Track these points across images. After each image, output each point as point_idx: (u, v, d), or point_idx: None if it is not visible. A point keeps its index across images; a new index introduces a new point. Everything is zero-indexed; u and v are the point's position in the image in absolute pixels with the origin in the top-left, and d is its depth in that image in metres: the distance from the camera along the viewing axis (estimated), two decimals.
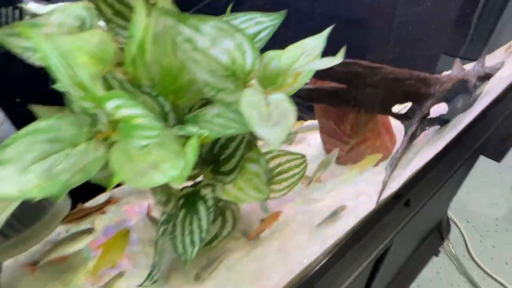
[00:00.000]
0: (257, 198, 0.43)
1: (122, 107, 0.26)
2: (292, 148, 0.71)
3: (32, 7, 0.37)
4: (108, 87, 0.34)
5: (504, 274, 1.69)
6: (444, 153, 0.79)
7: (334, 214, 0.53)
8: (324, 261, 0.52)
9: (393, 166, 0.69)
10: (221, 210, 0.51)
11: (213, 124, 0.35)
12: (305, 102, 0.59)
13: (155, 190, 0.45)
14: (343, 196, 0.65)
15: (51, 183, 0.28)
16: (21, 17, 0.41)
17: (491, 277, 1.69)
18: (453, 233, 1.93)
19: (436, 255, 1.85)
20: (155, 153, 0.30)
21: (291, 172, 0.55)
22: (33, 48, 0.32)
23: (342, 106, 0.60)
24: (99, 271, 0.49)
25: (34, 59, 0.33)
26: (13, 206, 0.31)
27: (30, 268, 0.43)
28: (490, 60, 1.16)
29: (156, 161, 0.30)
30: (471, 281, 1.69)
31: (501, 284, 1.67)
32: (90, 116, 0.32)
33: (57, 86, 0.33)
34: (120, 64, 0.33)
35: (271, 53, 0.38)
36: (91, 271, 0.49)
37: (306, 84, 0.62)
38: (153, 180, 0.30)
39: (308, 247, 0.54)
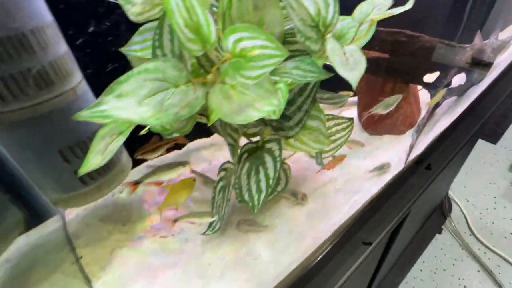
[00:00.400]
0: (318, 149, 0.47)
1: (243, 39, 0.30)
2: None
3: None
4: None
5: (504, 247, 1.79)
6: (459, 121, 0.85)
7: (381, 168, 0.58)
8: (362, 211, 0.58)
9: (419, 132, 0.75)
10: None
11: (292, 75, 0.39)
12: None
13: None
14: (378, 159, 0.71)
15: (164, 114, 0.32)
16: None
17: (492, 250, 1.78)
18: (454, 212, 2.02)
19: (439, 233, 1.94)
20: (252, 92, 0.34)
21: (338, 135, 0.59)
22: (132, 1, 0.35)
23: (382, 75, 0.65)
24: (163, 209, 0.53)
25: (131, 12, 0.36)
26: (122, 139, 0.35)
27: (132, 187, 0.47)
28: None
29: (252, 99, 0.34)
30: (473, 255, 1.78)
31: (501, 257, 1.77)
32: (182, 61, 0.35)
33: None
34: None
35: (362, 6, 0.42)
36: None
37: None
38: (249, 117, 0.34)
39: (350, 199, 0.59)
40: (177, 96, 0.33)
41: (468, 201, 2.08)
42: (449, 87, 0.78)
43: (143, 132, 0.40)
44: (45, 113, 0.41)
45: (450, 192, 2.11)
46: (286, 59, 0.34)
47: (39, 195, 0.47)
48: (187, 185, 0.49)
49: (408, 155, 0.72)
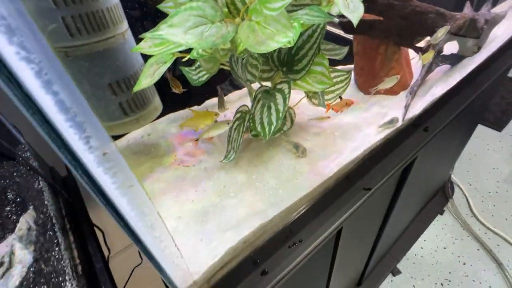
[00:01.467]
0: (322, 89, 0.59)
1: None
2: None
3: None
4: None
5: (504, 228, 1.88)
6: (455, 91, 0.95)
7: (391, 122, 0.69)
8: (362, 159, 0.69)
9: (413, 93, 0.86)
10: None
11: (303, 18, 0.50)
12: (349, 33, 0.74)
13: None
14: (375, 115, 0.82)
15: (204, 42, 0.44)
16: None
17: (492, 231, 1.88)
18: (457, 195, 2.12)
19: (441, 214, 2.04)
20: (272, 27, 0.46)
21: (337, 86, 0.70)
22: None
23: (376, 36, 0.76)
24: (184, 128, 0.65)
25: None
26: (167, 66, 0.47)
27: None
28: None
29: (272, 33, 0.46)
30: (473, 235, 1.88)
31: (501, 237, 1.87)
32: (217, 4, 0.46)
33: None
34: None
35: None
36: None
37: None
38: (270, 46, 0.45)
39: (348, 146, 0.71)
40: (213, 29, 0.45)
41: (470, 185, 2.18)
42: (441, 53, 0.88)
43: (185, 59, 0.52)
44: (101, 51, 0.53)
45: (453, 177, 2.21)
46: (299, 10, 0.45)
47: None
48: (208, 116, 0.61)
49: (405, 114, 0.83)
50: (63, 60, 0.51)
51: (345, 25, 0.72)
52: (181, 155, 0.70)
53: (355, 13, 0.47)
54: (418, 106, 0.87)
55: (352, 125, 0.78)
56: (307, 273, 0.87)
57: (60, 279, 0.56)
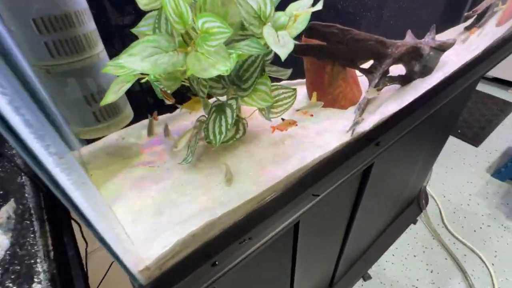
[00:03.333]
0: (264, 105, 0.71)
1: (207, 22, 0.54)
2: None
3: None
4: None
5: (472, 239, 2.01)
6: (409, 109, 1.09)
7: (356, 123, 0.82)
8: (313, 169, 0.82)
9: (361, 109, 0.99)
10: (235, 121, 0.79)
11: (243, 49, 0.63)
12: (298, 55, 0.87)
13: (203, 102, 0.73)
14: (327, 127, 0.95)
15: (157, 68, 0.56)
16: None
17: (460, 241, 2.01)
18: (431, 206, 2.26)
19: (414, 223, 2.17)
20: (213, 57, 0.58)
21: (284, 101, 0.83)
22: None
23: (322, 58, 0.89)
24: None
25: (141, 3, 0.60)
26: (129, 85, 0.59)
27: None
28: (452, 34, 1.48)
29: (214, 62, 0.58)
30: (443, 244, 2.00)
31: (468, 247, 1.99)
32: (172, 37, 0.59)
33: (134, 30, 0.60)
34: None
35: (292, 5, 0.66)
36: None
37: (298, 42, 0.91)
38: (211, 73, 0.58)
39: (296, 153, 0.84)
40: (166, 57, 0.57)
41: (444, 197, 2.31)
42: (387, 74, 1.02)
43: (143, 80, 0.64)
44: (78, 68, 0.66)
45: (428, 188, 2.34)
46: (241, 40, 0.58)
47: (67, 128, 0.71)
48: (197, 103, 0.73)
49: (354, 128, 0.96)
50: (45, 76, 0.64)
51: (295, 48, 0.86)
52: (149, 156, 0.82)
53: (285, 48, 0.60)
54: (369, 121, 1.00)
55: (303, 135, 0.90)
56: (265, 270, 1.00)
57: (32, 261, 0.68)
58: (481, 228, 2.14)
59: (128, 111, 0.79)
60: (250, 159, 0.81)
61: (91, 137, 0.76)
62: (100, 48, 0.69)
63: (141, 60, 0.55)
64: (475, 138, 2.73)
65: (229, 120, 0.71)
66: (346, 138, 0.92)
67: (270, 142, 0.87)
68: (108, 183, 0.74)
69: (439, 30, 1.22)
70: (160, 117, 0.96)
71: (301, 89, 1.11)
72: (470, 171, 2.52)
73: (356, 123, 0.96)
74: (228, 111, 0.71)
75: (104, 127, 0.73)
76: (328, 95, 0.97)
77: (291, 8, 0.65)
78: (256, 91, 0.73)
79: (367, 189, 1.16)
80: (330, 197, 0.86)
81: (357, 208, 1.22)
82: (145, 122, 0.93)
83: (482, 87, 3.35)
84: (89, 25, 0.66)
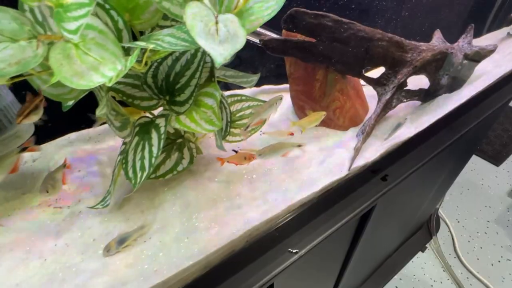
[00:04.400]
0: (209, 130, 0.45)
1: None
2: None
3: None
4: None
5: (489, 275, 1.70)
6: (430, 132, 0.79)
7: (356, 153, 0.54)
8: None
9: (366, 134, 0.71)
10: (178, 146, 0.53)
11: (163, 42, 0.37)
12: (275, 54, 0.60)
13: (113, 114, 0.47)
14: (316, 155, 0.67)
15: None
16: None
17: (475, 276, 1.71)
18: (443, 232, 1.95)
19: (422, 251, 1.87)
20: (95, 53, 0.32)
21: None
22: None
23: (311, 60, 0.61)
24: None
25: None
26: None
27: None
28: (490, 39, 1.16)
29: (95, 62, 0.32)
30: (454, 279, 1.71)
31: (484, 284, 1.69)
32: (34, 17, 0.33)
33: None
34: None
35: None
36: None
37: (276, 35, 0.64)
38: (91, 81, 0.32)
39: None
40: (9, 51, 0.31)
41: (458, 222, 2.00)
42: (404, 87, 0.73)
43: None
44: None
45: (440, 211, 2.03)
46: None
47: None
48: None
49: (353, 158, 0.68)
50: None
51: (267, 43, 0.58)
52: (61, 190, 0.57)
53: (227, 44, 0.33)
54: (375, 149, 0.72)
55: (277, 167, 0.63)
56: None
57: None
58: (499, 261, 1.83)
59: (21, 129, 0.54)
60: (197, 202, 0.55)
61: None
62: None
63: None
64: (496, 156, 2.39)
65: (154, 151, 0.45)
66: (340, 174, 0.65)
67: (231, 174, 0.60)
68: None
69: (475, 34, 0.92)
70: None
71: (285, 97, 0.83)
72: (489, 193, 2.19)
73: (356, 154, 0.68)
74: (154, 136, 0.45)
75: None
76: (321, 109, 0.70)
77: None
78: (199, 106, 0.46)
79: (365, 233, 0.87)
80: (315, 252, 0.59)
81: (351, 254, 0.94)
82: (73, 136, 0.68)
83: None
84: None
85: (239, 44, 0.35)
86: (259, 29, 0.75)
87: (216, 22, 0.35)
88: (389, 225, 1.24)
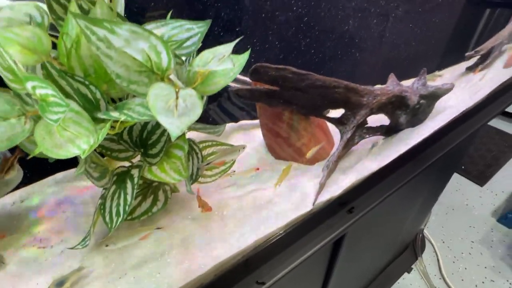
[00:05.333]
0: (177, 180, 0.51)
1: (37, 87, 0.35)
2: (236, 142, 0.80)
3: None
4: (48, 75, 0.43)
5: None
6: (394, 165, 0.86)
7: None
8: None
9: (330, 169, 0.78)
10: (153, 189, 0.60)
11: (133, 112, 0.44)
12: (245, 100, 0.68)
13: (92, 167, 0.54)
14: (283, 190, 0.74)
15: None
16: None
17: None
18: (428, 252, 1.99)
19: (408, 272, 1.91)
20: (72, 129, 0.39)
21: (226, 164, 0.63)
22: None
23: (277, 105, 0.70)
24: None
25: None
26: None
27: None
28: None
29: (72, 136, 0.39)
30: None
31: None
32: (19, 97, 0.41)
33: None
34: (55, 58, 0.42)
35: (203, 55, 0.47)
36: None
37: (248, 85, 0.72)
38: (69, 152, 0.39)
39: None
40: (1, 128, 0.38)
41: (443, 242, 2.05)
42: (365, 125, 0.81)
43: None
44: None
45: (425, 231, 2.08)
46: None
47: None
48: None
49: (318, 193, 0.75)
50: None
51: (238, 92, 0.66)
52: (46, 230, 0.63)
53: (185, 117, 0.40)
54: (340, 183, 0.78)
55: (249, 201, 0.70)
56: None
57: None
58: (483, 283, 1.87)
59: (11, 175, 0.60)
60: (170, 239, 0.61)
61: None
62: None
63: None
64: (480, 176, 2.46)
65: (128, 199, 0.51)
66: (305, 209, 0.72)
67: (202, 214, 0.67)
68: None
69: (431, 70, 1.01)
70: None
71: (258, 133, 0.91)
72: (473, 214, 2.25)
73: (320, 189, 0.75)
74: (129, 185, 0.52)
75: None
76: (289, 147, 0.77)
77: (204, 57, 0.45)
78: (170, 157, 0.53)
79: (340, 259, 0.93)
80: (285, 282, 0.64)
81: (328, 280, 0.99)
82: (60, 176, 0.74)
83: None
84: None
85: (196, 115, 0.42)
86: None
87: (177, 97, 0.43)
88: (368, 249, 1.30)
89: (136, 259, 0.59)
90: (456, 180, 2.52)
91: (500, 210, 2.24)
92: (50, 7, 0.45)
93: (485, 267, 1.91)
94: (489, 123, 3.20)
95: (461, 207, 2.31)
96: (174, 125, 0.40)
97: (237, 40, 0.46)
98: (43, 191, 0.71)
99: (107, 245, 0.57)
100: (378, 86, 0.78)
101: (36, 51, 0.38)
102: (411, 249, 2.00)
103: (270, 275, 0.62)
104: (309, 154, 0.73)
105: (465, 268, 1.91)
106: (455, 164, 1.54)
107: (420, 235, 2.03)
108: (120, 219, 0.51)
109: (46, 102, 0.35)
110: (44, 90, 0.35)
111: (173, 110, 0.41)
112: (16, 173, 0.60)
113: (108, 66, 0.39)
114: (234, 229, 0.65)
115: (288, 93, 0.66)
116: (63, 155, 0.38)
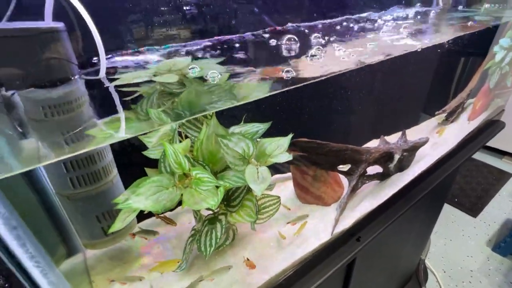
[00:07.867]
0: (248, 221, 0.85)
1: (199, 173, 0.70)
2: (275, 192, 1.16)
3: None
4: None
5: None
6: (390, 201, 1.22)
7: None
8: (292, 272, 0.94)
9: (341, 208, 1.13)
10: (226, 228, 0.93)
11: (231, 180, 0.79)
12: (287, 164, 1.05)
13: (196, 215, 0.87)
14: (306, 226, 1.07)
15: (158, 205, 0.71)
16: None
17: None
18: (430, 282, 2.26)
19: None
20: (204, 193, 0.74)
21: (270, 208, 0.98)
22: (151, 142, 0.78)
23: (306, 165, 1.06)
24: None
25: (150, 144, 0.78)
26: (135, 214, 0.74)
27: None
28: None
29: (204, 197, 0.74)
30: None
31: None
32: (173, 175, 0.75)
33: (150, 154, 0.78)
34: (191, 150, 0.78)
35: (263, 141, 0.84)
36: None
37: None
38: (202, 206, 0.73)
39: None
40: (166, 194, 0.73)
41: (445, 272, 2.33)
42: (366, 174, 1.17)
43: (146, 211, 0.79)
44: (93, 194, 0.81)
45: (427, 262, 2.37)
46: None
47: (76, 239, 0.85)
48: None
49: (334, 226, 1.09)
50: (65, 201, 0.79)
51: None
52: (149, 260, 0.94)
53: (263, 184, 0.76)
54: (349, 219, 1.13)
55: (287, 234, 1.03)
56: None
57: None
58: None
59: (133, 221, 0.93)
60: (235, 263, 0.93)
61: (100, 248, 0.89)
62: (114, 173, 0.85)
63: (145, 199, 0.71)
64: (473, 208, 2.81)
65: (219, 234, 0.84)
66: (326, 238, 1.05)
67: (259, 243, 0.99)
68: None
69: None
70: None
71: (289, 184, 1.27)
72: (470, 244, 2.55)
73: (335, 223, 1.09)
74: (218, 226, 0.85)
75: (110, 239, 0.87)
76: (312, 193, 1.12)
77: (272, 146, 0.82)
78: (243, 206, 0.87)
79: (352, 282, 1.25)
80: None
81: None
82: (149, 221, 1.07)
83: (477, 155, 3.51)
84: (108, 158, 0.83)
85: (268, 182, 0.78)
86: None
87: (257, 172, 0.78)
88: (376, 276, 1.60)
89: (214, 275, 0.90)
90: (451, 212, 2.86)
91: (494, 239, 2.55)
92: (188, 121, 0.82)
93: None
94: (477, 158, 3.66)
95: (458, 238, 2.62)
96: (257, 188, 0.75)
97: (289, 136, 0.84)
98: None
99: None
100: (373, 146, 1.16)
101: (185, 150, 0.73)
102: (415, 280, 2.28)
103: None
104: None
105: None
106: (441, 199, 1.90)
107: (422, 266, 2.32)
108: (212, 249, 0.84)
109: (200, 180, 0.70)
110: (202, 175, 0.70)
111: (256, 179, 0.77)
112: None
113: (226, 158, 0.75)
114: (278, 254, 0.97)
115: (314, 157, 1.03)
116: (198, 207, 0.72)
